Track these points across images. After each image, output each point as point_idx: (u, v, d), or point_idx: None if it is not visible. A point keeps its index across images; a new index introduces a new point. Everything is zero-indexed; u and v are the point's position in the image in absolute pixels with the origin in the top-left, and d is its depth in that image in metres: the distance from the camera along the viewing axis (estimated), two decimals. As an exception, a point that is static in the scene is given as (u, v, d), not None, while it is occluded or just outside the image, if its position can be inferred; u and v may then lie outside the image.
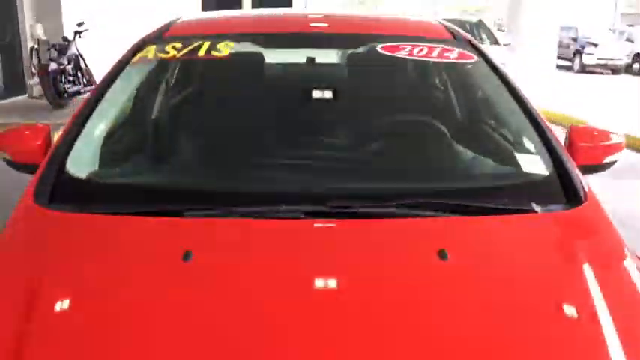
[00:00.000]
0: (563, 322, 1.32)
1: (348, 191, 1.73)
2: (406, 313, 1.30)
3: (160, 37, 2.30)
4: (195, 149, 2.10)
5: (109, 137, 2.07)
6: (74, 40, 10.67)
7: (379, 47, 2.28)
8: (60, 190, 1.70)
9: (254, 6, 16.72)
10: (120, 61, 2.23)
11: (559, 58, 21.34)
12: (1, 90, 10.20)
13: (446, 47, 2.30)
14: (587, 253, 1.58)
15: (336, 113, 2.33)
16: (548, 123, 2.05)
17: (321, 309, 1.29)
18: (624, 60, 20.68)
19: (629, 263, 1.56)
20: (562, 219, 1.73)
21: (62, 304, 1.33)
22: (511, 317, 1.32)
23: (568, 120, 8.25)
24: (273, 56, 2.84)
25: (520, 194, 1.81)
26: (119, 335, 1.23)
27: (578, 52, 21.06)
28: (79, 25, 10.80)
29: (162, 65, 2.44)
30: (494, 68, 2.27)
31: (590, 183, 1.86)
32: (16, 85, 10.73)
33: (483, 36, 10.01)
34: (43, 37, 10.41)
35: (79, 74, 10.51)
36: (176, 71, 2.62)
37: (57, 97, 9.64)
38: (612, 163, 2.13)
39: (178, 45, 2.20)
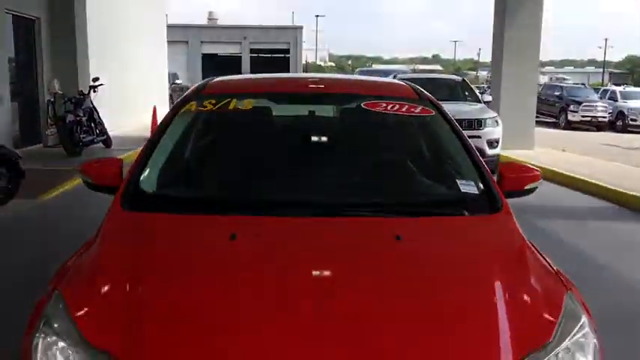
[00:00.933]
0: (466, 288, 1.99)
1: (339, 201, 2.53)
2: (372, 273, 2.02)
3: (198, 95, 3.11)
4: (226, 172, 2.91)
5: (166, 164, 2.83)
6: (89, 94, 11.51)
7: (363, 104, 3.08)
8: (137, 200, 2.51)
9: (252, 69, 17.77)
10: (169, 113, 3.03)
11: (546, 114, 22.29)
12: (17, 139, 10.75)
13: (412, 104, 3.07)
14: (496, 242, 2.38)
15: (330, 152, 3.11)
16: (481, 159, 2.78)
17: (322, 262, 2.09)
18: (607, 117, 21.68)
19: (527, 252, 2.26)
20: (483, 220, 2.50)
21: (161, 268, 2.05)
22: (439, 276, 2.06)
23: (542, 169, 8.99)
24: (283, 108, 3.69)
25: (458, 204, 2.60)
26: (202, 280, 1.98)
27: (564, 110, 22.23)
28: (94, 80, 11.65)
29: (200, 114, 3.21)
30: (447, 120, 3.04)
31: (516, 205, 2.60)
32: (31, 134, 11.34)
33: (466, 93, 10.85)
34: (60, 92, 11.18)
35: (93, 125, 11.30)
36: (209, 120, 3.37)
37: (73, 146, 10.41)
38: (533, 189, 2.83)
39: (213, 101, 3.02)
